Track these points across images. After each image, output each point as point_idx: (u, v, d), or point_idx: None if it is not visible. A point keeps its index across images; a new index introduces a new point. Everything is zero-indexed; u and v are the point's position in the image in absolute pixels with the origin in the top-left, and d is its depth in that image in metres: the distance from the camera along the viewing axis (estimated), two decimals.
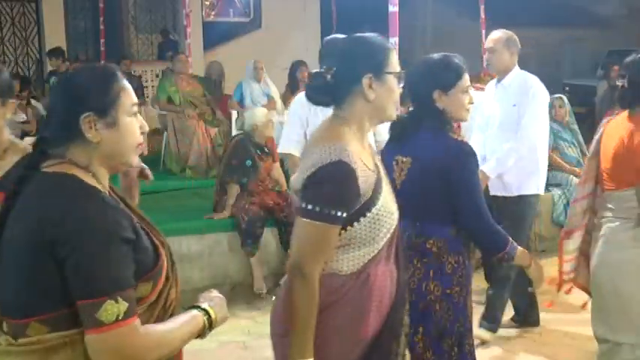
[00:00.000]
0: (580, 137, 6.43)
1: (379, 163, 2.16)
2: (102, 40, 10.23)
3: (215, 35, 11.68)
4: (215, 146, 7.58)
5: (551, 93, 7.51)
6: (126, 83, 1.74)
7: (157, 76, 11.29)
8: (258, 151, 5.56)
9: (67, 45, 11.30)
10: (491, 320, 4.31)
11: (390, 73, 2.08)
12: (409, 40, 16.89)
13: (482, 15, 9.57)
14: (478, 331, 4.14)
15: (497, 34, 4.26)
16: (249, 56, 8.39)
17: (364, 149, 2.08)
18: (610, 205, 2.92)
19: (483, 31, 9.39)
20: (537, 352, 4.25)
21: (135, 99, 1.76)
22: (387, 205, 2.06)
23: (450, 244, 2.63)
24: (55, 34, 11.16)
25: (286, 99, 9.03)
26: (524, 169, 4.14)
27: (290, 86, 9.39)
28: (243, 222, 5.25)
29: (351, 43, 2.13)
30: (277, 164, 5.72)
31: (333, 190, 1.95)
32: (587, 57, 16.77)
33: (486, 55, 4.28)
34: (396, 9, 4.43)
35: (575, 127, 6.44)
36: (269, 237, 5.48)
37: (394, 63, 2.11)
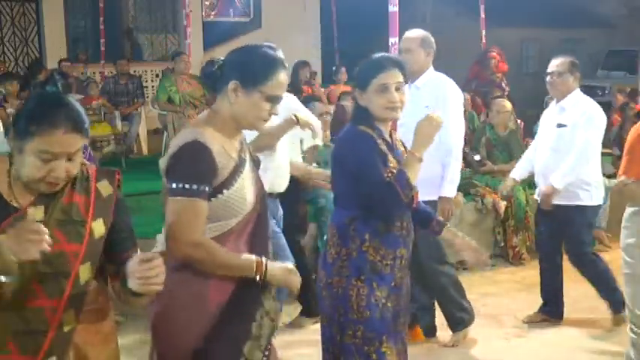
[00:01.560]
0: None
1: (247, 157, 2.31)
2: (102, 40, 10.24)
3: (215, 35, 11.68)
4: None
5: None
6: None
7: (157, 76, 11.30)
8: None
9: (67, 45, 11.32)
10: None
11: (260, 91, 2.20)
12: None
13: (482, 15, 9.56)
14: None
15: (413, 33, 4.16)
16: None
17: (231, 140, 2.25)
18: None
19: (483, 31, 9.39)
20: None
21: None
22: (242, 192, 2.22)
23: (338, 233, 2.73)
24: (55, 34, 11.17)
25: None
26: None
27: (291, 86, 9.39)
28: None
29: (250, 49, 2.33)
30: None
31: (190, 165, 2.14)
32: (587, 57, 16.77)
33: (401, 54, 4.10)
34: (396, 9, 4.42)
35: None
36: None
37: (275, 86, 2.23)
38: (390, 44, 4.45)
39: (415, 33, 4.15)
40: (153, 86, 11.05)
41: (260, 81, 2.20)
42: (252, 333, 2.22)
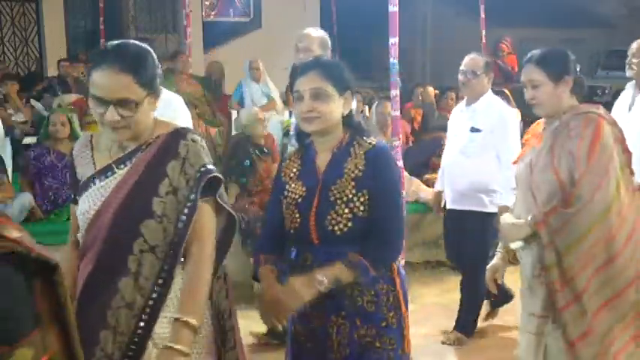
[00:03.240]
0: None
1: (117, 169, 2.11)
2: (102, 40, 10.23)
3: (215, 35, 11.68)
4: (215, 146, 7.58)
5: None
6: None
7: None
8: (257, 152, 5.56)
9: (67, 45, 11.31)
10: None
11: (90, 92, 2.05)
12: (409, 40, 16.89)
13: (482, 15, 9.56)
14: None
15: (315, 33, 3.97)
16: (249, 56, 8.38)
17: (114, 148, 2.14)
18: None
19: (483, 31, 9.38)
20: None
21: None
22: (82, 205, 2.13)
23: None
24: (55, 34, 11.17)
25: (287, 99, 9.05)
26: None
27: (291, 86, 9.38)
28: (243, 222, 5.26)
29: None
30: (277, 164, 5.71)
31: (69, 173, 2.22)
32: (587, 57, 16.77)
33: (300, 55, 3.91)
34: (396, 9, 4.42)
35: None
36: None
37: (92, 85, 2.03)
38: (390, 44, 4.45)
39: (316, 33, 3.97)
40: None
41: (89, 80, 2.06)
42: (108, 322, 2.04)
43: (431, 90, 8.85)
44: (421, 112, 7.99)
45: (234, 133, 7.34)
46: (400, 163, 4.53)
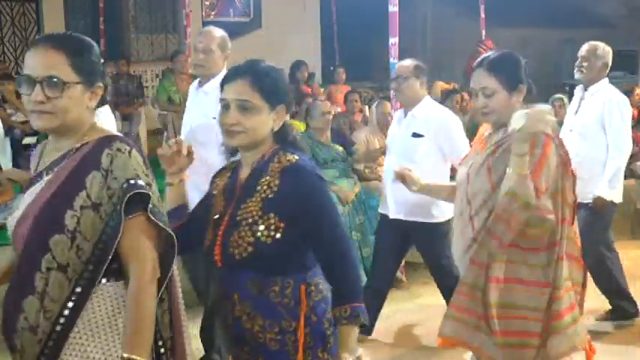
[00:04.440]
0: None
1: (45, 175, 1.96)
2: (102, 40, 10.23)
3: None
4: None
5: (552, 93, 7.54)
6: None
7: (157, 76, 11.29)
8: None
9: None
10: None
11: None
12: (409, 40, 16.88)
13: (482, 15, 9.56)
14: None
15: (216, 32, 3.86)
16: (249, 56, 8.29)
17: (56, 145, 2.01)
18: None
19: (483, 31, 9.40)
20: None
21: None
22: (15, 213, 1.96)
23: None
24: None
25: None
26: None
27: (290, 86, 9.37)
28: None
29: None
30: None
31: None
32: None
33: (199, 55, 3.79)
34: (396, 9, 4.43)
35: None
36: None
37: (27, 63, 1.89)
38: (390, 44, 4.46)
39: (215, 32, 3.87)
40: (153, 86, 11.04)
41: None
42: None
43: (440, 84, 8.80)
44: None
45: None
46: None
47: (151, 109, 9.03)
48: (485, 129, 2.85)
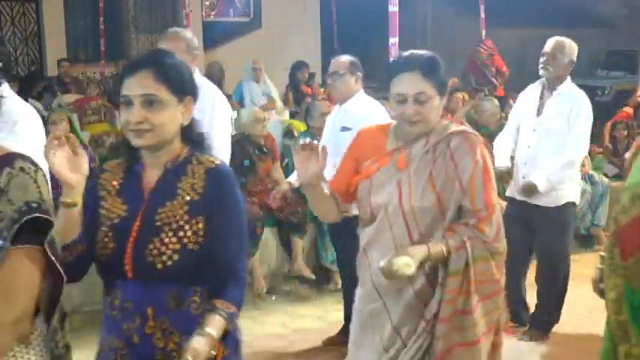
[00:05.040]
0: None
1: None
2: (102, 40, 10.23)
3: (215, 35, 11.68)
4: None
5: None
6: None
7: None
8: (257, 151, 5.56)
9: (67, 45, 11.31)
10: None
11: None
12: (409, 40, 16.87)
13: (482, 15, 9.56)
14: None
15: (180, 33, 3.82)
16: (249, 56, 8.39)
17: None
18: None
19: (483, 31, 9.39)
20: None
21: None
22: None
23: None
24: (55, 34, 11.16)
25: (287, 99, 9.04)
26: None
27: (291, 86, 9.39)
28: None
29: None
30: (277, 164, 5.72)
31: None
32: (587, 57, 16.77)
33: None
34: (396, 9, 4.43)
35: None
36: (269, 237, 5.48)
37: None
38: (390, 44, 4.46)
39: (182, 33, 3.83)
40: None
41: None
42: None
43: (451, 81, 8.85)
44: None
45: (234, 133, 7.34)
46: None
47: None
48: (378, 141, 2.58)
